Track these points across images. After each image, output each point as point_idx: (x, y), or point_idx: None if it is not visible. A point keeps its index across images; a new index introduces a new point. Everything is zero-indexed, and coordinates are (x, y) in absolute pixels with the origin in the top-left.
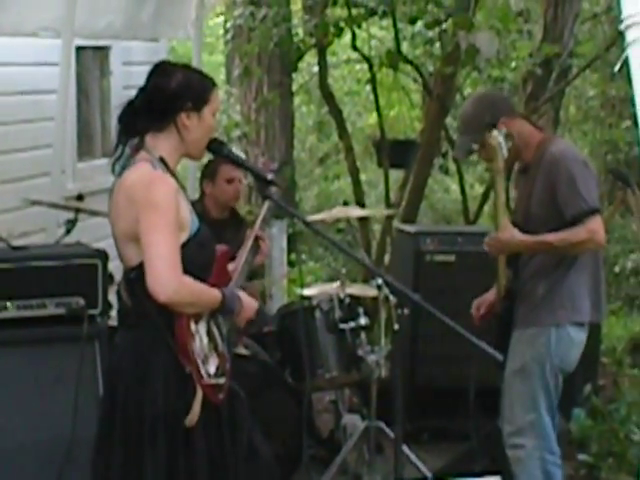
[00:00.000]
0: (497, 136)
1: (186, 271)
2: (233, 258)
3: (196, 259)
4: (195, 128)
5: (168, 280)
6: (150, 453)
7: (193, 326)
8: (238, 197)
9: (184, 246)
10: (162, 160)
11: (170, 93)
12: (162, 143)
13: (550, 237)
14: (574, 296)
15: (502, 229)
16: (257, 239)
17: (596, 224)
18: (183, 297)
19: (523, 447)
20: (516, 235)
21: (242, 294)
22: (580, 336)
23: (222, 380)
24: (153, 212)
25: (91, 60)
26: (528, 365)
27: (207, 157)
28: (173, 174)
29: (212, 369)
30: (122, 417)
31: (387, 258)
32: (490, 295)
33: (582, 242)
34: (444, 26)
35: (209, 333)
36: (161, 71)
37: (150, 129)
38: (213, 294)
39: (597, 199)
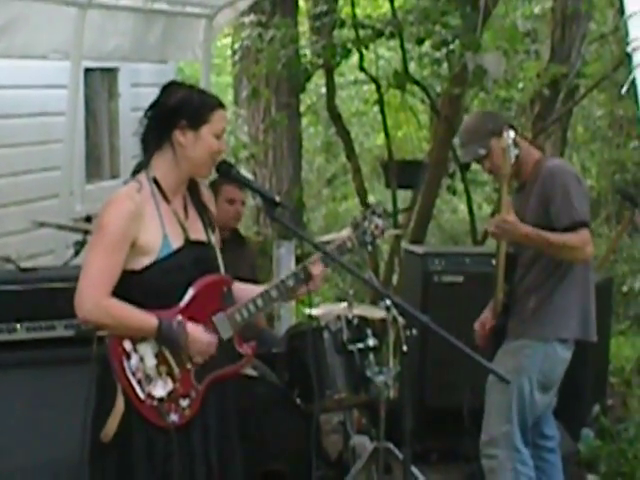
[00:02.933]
0: (507, 138)
1: (142, 294)
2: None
3: (155, 284)
4: (191, 146)
5: (85, 298)
6: (100, 462)
7: (128, 345)
8: (239, 218)
9: (146, 269)
10: (155, 181)
11: (167, 110)
12: (159, 162)
13: (547, 233)
14: (562, 313)
15: (506, 213)
16: (306, 268)
17: (587, 236)
18: (98, 318)
19: (496, 457)
20: (519, 223)
21: (195, 329)
22: (566, 353)
23: (173, 405)
24: (97, 232)
25: (99, 82)
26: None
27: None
28: (165, 195)
29: (159, 392)
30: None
31: (395, 279)
32: (486, 315)
33: (574, 248)
34: (451, 47)
35: (159, 356)
36: (165, 90)
37: (154, 148)
38: (143, 321)
39: (588, 213)
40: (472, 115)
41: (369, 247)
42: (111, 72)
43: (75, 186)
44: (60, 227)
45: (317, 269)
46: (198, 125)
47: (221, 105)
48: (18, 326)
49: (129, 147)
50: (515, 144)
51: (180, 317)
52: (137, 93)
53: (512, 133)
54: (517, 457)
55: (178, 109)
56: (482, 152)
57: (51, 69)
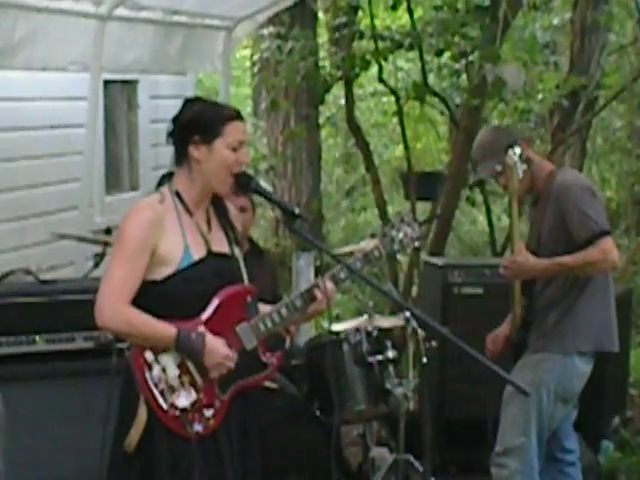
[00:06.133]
0: (512, 155)
1: (164, 305)
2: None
3: (176, 294)
4: (205, 161)
5: (105, 306)
6: (122, 472)
7: (150, 355)
8: (252, 224)
9: (167, 279)
10: (177, 194)
11: (181, 126)
12: (180, 177)
13: (565, 258)
14: (583, 325)
15: (517, 252)
16: (314, 288)
17: (608, 244)
18: (117, 326)
19: (506, 467)
20: (530, 258)
21: (214, 341)
22: (585, 367)
23: (197, 415)
24: (118, 241)
25: (119, 94)
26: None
27: None
28: (187, 208)
29: (182, 402)
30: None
31: (415, 290)
32: (504, 329)
33: (596, 262)
34: (470, 58)
35: (181, 366)
36: (183, 106)
37: (176, 163)
38: (162, 331)
39: (607, 222)
40: (485, 131)
41: (397, 256)
42: (130, 84)
43: (95, 198)
44: (80, 239)
45: (328, 287)
46: (211, 139)
47: (236, 117)
48: (37, 338)
49: (148, 159)
50: (522, 160)
51: (201, 328)
52: (156, 105)
53: (517, 150)
54: (528, 473)
55: (191, 124)
56: (499, 168)
57: (70, 81)
